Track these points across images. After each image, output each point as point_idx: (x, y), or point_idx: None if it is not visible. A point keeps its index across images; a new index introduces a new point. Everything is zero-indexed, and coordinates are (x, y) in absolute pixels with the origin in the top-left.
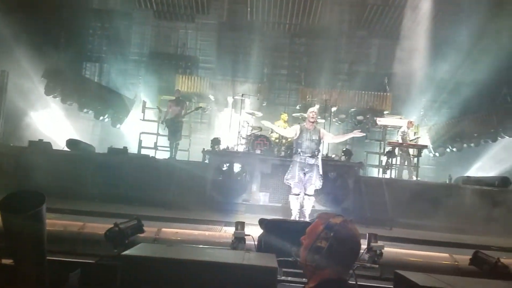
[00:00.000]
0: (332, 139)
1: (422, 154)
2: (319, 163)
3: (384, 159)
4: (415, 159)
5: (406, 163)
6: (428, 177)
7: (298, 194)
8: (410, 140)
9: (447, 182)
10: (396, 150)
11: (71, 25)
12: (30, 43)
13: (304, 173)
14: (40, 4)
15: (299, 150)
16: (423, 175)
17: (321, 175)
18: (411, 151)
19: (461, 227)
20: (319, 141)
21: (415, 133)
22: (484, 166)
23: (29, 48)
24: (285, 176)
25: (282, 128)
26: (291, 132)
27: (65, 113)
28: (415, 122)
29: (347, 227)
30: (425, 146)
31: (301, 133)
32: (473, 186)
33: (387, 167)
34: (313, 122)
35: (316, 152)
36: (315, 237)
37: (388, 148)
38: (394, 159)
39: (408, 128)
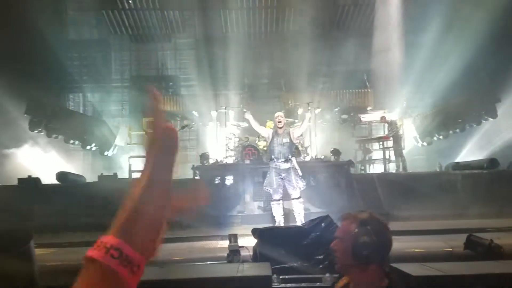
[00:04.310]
0: (300, 130)
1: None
2: (296, 165)
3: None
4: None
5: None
6: (420, 167)
7: (279, 200)
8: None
9: (437, 170)
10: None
11: (49, 59)
12: (8, 80)
13: (281, 178)
14: (16, 41)
15: (272, 156)
16: (414, 166)
17: (300, 176)
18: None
19: (456, 212)
20: (291, 144)
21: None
22: (472, 150)
23: (8, 85)
24: (264, 183)
25: (258, 124)
26: (265, 131)
27: (54, 146)
28: (399, 115)
29: (378, 218)
30: (387, 138)
31: (272, 138)
32: (463, 171)
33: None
34: (281, 127)
35: (289, 156)
36: (353, 236)
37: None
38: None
39: (381, 122)
